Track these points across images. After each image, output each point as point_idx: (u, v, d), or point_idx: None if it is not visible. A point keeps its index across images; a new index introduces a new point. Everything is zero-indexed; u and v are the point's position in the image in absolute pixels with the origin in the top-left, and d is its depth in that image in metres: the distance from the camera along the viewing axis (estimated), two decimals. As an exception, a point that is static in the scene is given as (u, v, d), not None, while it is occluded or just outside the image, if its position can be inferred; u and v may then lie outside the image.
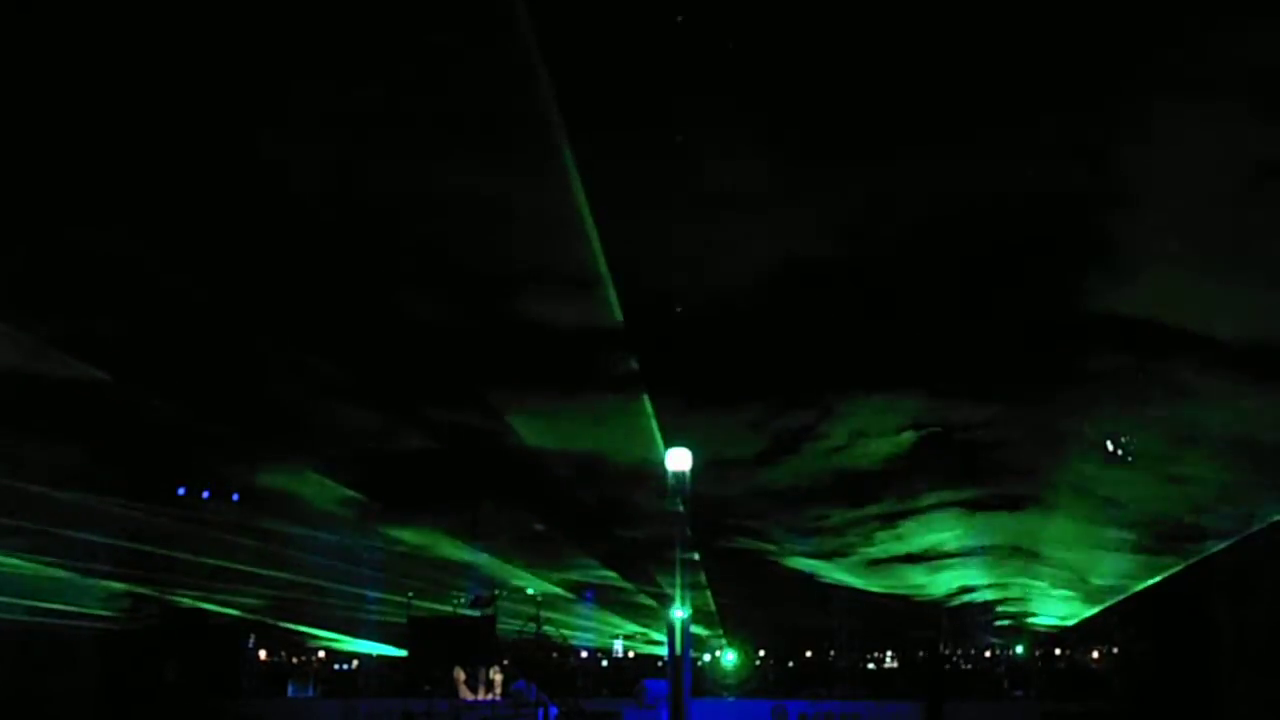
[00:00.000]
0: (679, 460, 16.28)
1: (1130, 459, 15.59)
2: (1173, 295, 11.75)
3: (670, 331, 13.15)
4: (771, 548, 22.67)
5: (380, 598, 23.61)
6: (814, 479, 18.09)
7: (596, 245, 10.87)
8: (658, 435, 16.11)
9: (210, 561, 21.19)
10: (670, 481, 16.01)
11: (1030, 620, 26.73)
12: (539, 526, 21.65)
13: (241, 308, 12.95)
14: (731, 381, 14.69)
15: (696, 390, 14.91)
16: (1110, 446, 15.56)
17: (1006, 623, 27.02)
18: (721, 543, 21.57)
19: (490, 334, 13.58)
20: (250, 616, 24.01)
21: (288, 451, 18.04)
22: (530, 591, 23.12)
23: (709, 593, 23.97)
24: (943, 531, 20.55)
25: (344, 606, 24.01)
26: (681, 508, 15.96)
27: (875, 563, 22.84)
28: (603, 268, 11.36)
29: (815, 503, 19.53)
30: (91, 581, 20.48)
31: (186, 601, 22.79)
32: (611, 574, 24.45)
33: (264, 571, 21.72)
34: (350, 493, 19.69)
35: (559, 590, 25.47)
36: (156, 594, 22.16)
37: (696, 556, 19.09)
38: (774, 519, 20.87)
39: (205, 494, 20.42)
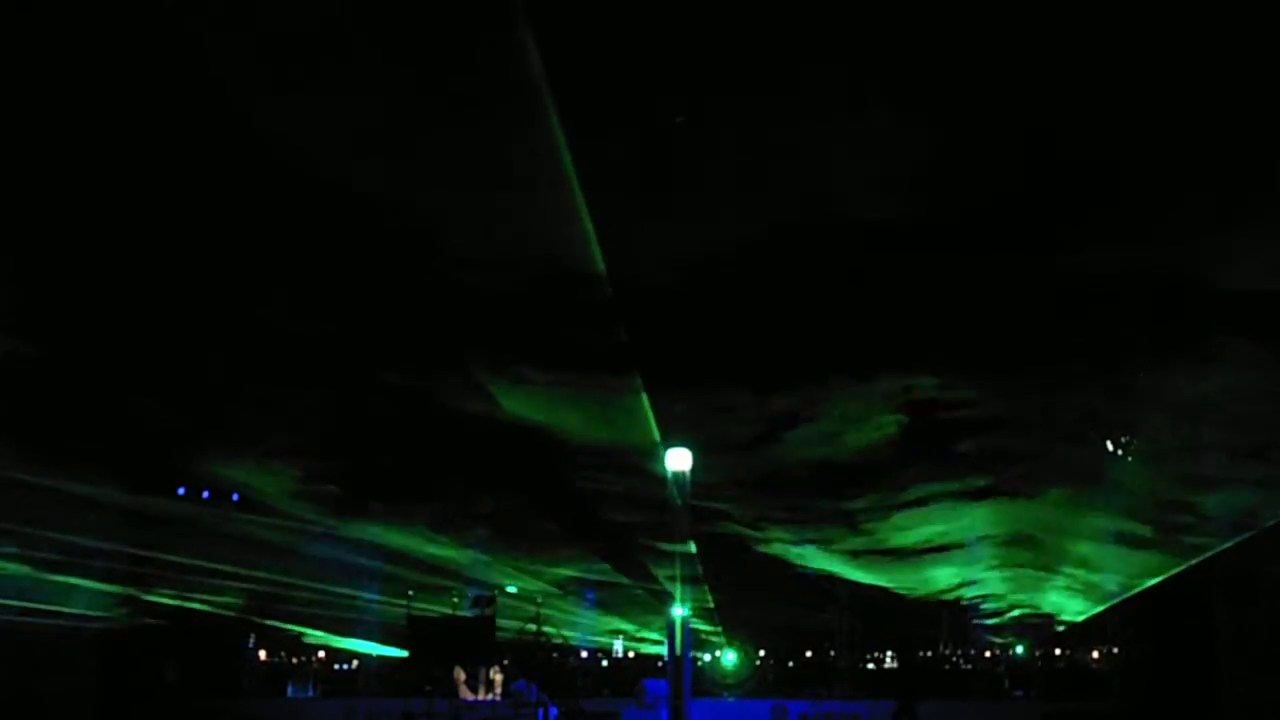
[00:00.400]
0: (679, 460, 16.32)
1: (1134, 445, 15.44)
2: (1184, 259, 11.51)
3: (663, 309, 13.00)
4: (759, 535, 22.52)
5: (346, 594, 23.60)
6: (807, 467, 17.97)
7: (587, 221, 10.80)
8: (650, 416, 15.98)
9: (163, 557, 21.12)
10: (670, 480, 16.04)
11: (1031, 616, 26.67)
12: (522, 512, 21.47)
13: (216, 287, 12.75)
14: (723, 364, 14.56)
15: (688, 371, 14.75)
16: (1111, 444, 15.50)
17: (995, 621, 26.97)
18: (711, 528, 21.35)
19: (474, 311, 13.40)
20: (222, 613, 23.91)
21: (251, 441, 17.86)
22: (512, 589, 23.07)
23: (706, 586, 23.92)
24: (941, 523, 20.44)
25: (310, 602, 23.95)
26: (680, 503, 15.99)
27: (871, 556, 22.77)
28: (594, 243, 11.26)
29: (808, 492, 19.41)
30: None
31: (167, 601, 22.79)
32: (605, 566, 24.36)
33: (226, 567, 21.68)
34: (326, 487, 19.61)
35: (548, 587, 25.34)
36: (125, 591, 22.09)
37: (693, 548, 18.99)
38: (767, 508, 20.73)
39: (206, 494, 20.46)
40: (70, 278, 12.59)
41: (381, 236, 11.72)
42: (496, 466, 18.87)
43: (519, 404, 16.13)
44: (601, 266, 11.71)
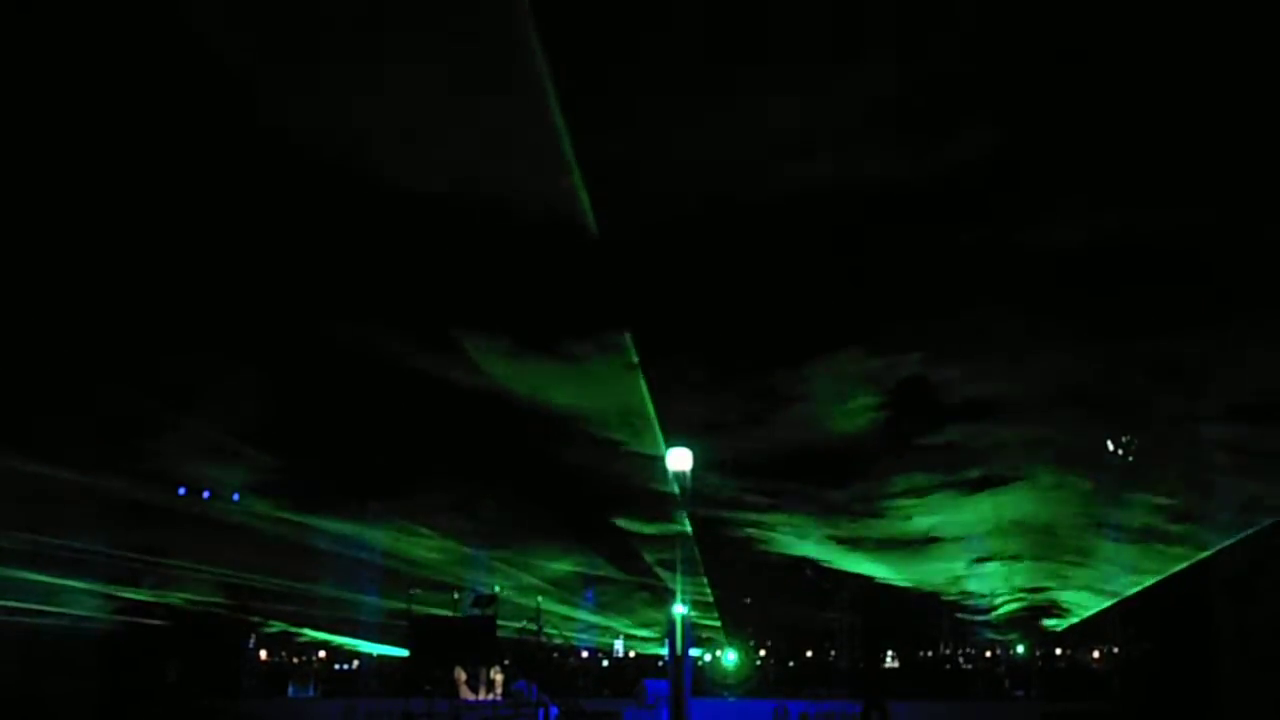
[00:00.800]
0: (679, 460, 16.35)
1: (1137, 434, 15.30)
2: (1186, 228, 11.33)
3: (655, 268, 12.76)
4: (748, 519, 22.37)
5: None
6: (804, 454, 17.80)
7: (577, 177, 10.63)
8: (644, 386, 15.75)
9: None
10: (671, 480, 16.07)
11: (1030, 612, 26.63)
12: (506, 498, 21.28)
13: (192, 248, 12.46)
14: (718, 341, 14.36)
15: (681, 341, 14.49)
16: (1112, 446, 15.44)
17: (994, 618, 26.92)
18: (708, 513, 21.15)
19: (459, 273, 13.12)
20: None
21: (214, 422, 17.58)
22: (497, 589, 23.02)
23: (705, 580, 23.84)
24: (939, 515, 20.33)
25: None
26: (681, 502, 16.03)
27: (868, 546, 22.69)
28: (585, 205, 11.08)
29: (803, 480, 19.26)
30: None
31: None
32: (599, 559, 24.24)
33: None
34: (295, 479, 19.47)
35: (536, 580, 25.23)
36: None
37: (689, 529, 18.87)
38: (762, 494, 20.55)
39: (206, 494, 20.48)
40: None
41: (350, 184, 11.35)
42: (477, 444, 18.57)
43: (499, 368, 15.79)
44: (590, 217, 11.44)
